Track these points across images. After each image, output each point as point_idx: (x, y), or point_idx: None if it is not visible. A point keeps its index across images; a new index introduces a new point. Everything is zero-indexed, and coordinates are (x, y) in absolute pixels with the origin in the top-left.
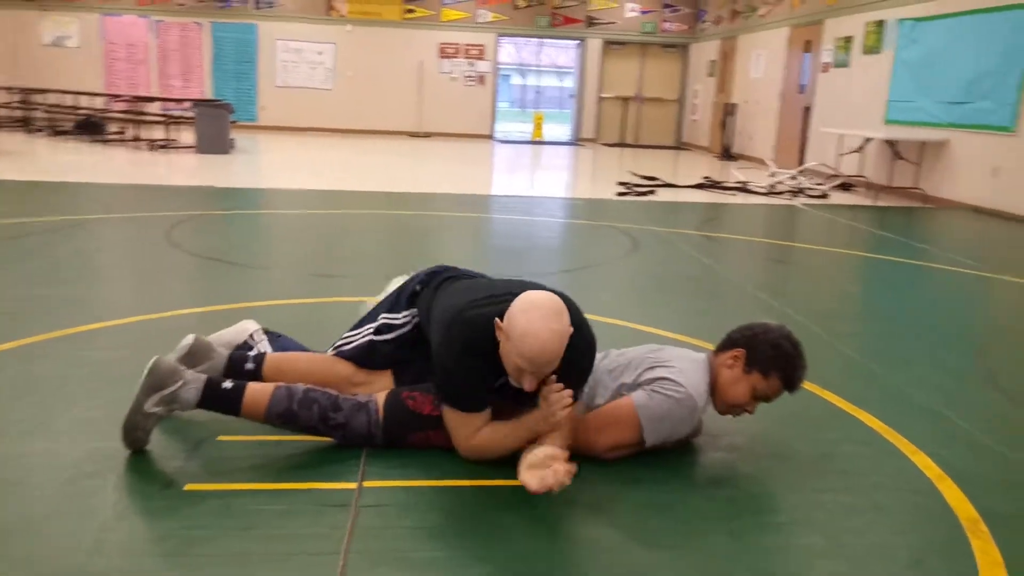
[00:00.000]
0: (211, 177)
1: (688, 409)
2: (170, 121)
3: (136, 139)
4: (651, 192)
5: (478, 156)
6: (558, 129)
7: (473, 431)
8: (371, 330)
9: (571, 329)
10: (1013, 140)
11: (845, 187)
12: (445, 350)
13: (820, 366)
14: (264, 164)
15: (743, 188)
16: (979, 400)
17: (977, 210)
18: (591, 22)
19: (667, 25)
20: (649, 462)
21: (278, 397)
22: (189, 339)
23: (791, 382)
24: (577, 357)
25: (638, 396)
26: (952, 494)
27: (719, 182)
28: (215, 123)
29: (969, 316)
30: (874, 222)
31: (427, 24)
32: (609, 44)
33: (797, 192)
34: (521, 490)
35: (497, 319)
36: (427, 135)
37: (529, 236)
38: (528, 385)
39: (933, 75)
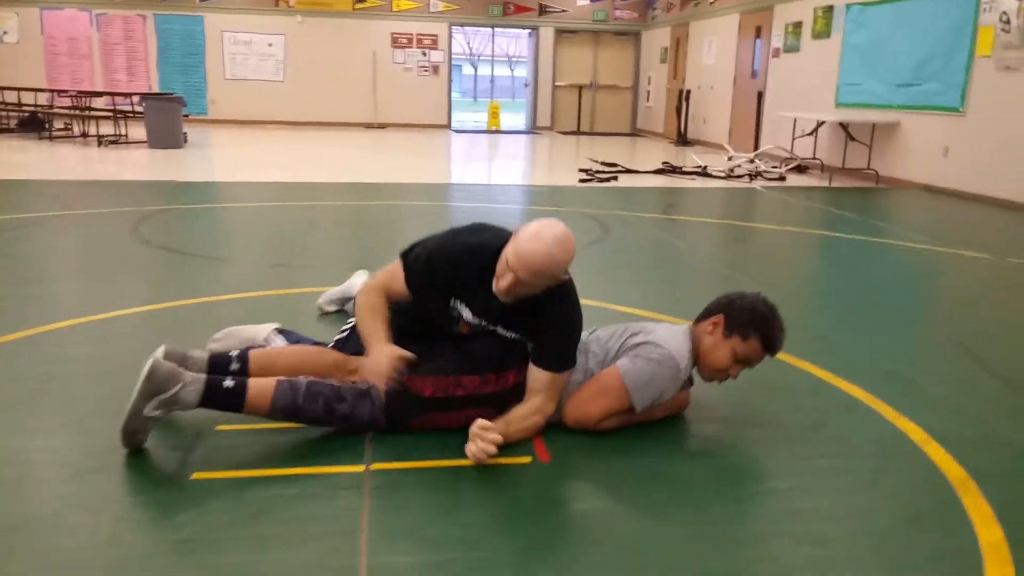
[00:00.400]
0: (168, 172)
1: (671, 370)
2: (119, 116)
3: (84, 135)
4: (613, 178)
5: (436, 146)
6: (511, 118)
7: (380, 274)
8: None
9: (568, 261)
10: (961, 120)
11: (800, 169)
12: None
13: (795, 339)
14: (220, 158)
15: (703, 172)
16: (952, 368)
17: (928, 188)
18: (543, 10)
19: (618, 13)
20: (645, 435)
21: (282, 392)
22: (159, 352)
23: (770, 343)
24: (560, 315)
25: (622, 363)
26: (938, 456)
27: (679, 167)
28: (167, 117)
29: (930, 289)
30: (831, 202)
31: (379, 14)
32: (561, 32)
33: (755, 175)
34: (525, 467)
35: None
36: (383, 126)
37: (498, 223)
38: (501, 284)
39: (882, 58)
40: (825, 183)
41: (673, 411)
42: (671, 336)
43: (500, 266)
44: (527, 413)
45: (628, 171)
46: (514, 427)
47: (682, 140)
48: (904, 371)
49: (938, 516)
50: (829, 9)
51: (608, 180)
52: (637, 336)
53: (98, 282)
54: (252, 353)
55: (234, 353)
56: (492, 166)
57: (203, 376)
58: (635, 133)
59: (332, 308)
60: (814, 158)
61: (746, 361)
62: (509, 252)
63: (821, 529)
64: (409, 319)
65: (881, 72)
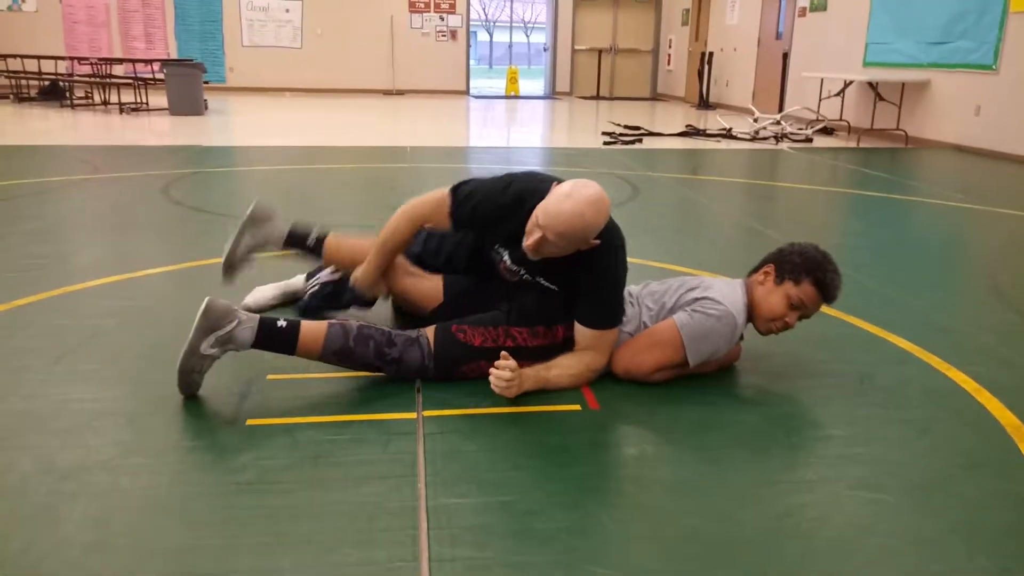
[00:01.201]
0: (192, 138)
1: (728, 327)
2: (139, 83)
3: (105, 103)
4: (638, 141)
5: (456, 111)
6: (528, 85)
7: (424, 199)
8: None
9: (599, 225)
10: (994, 78)
11: (827, 131)
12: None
13: (842, 294)
14: (242, 124)
15: (728, 134)
16: (996, 320)
17: (960, 148)
18: None
19: None
20: (697, 385)
21: (334, 334)
22: (252, 205)
23: (824, 286)
24: (602, 271)
25: (680, 316)
26: (992, 405)
27: (703, 130)
28: (188, 84)
29: (967, 245)
30: (860, 162)
31: None
32: None
33: (781, 137)
34: (576, 414)
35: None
36: (401, 93)
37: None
38: (528, 241)
39: (911, 16)
40: (853, 144)
41: (724, 365)
42: (729, 291)
43: (530, 223)
44: (573, 363)
45: (651, 134)
46: (556, 371)
47: (704, 104)
48: (950, 323)
49: (995, 461)
50: None
51: (632, 143)
52: (695, 291)
53: (134, 241)
54: (331, 237)
55: (314, 233)
56: (514, 130)
57: (257, 316)
58: (656, 97)
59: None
60: (841, 119)
61: (801, 307)
62: (539, 209)
63: (877, 474)
64: (463, 249)
65: (911, 30)
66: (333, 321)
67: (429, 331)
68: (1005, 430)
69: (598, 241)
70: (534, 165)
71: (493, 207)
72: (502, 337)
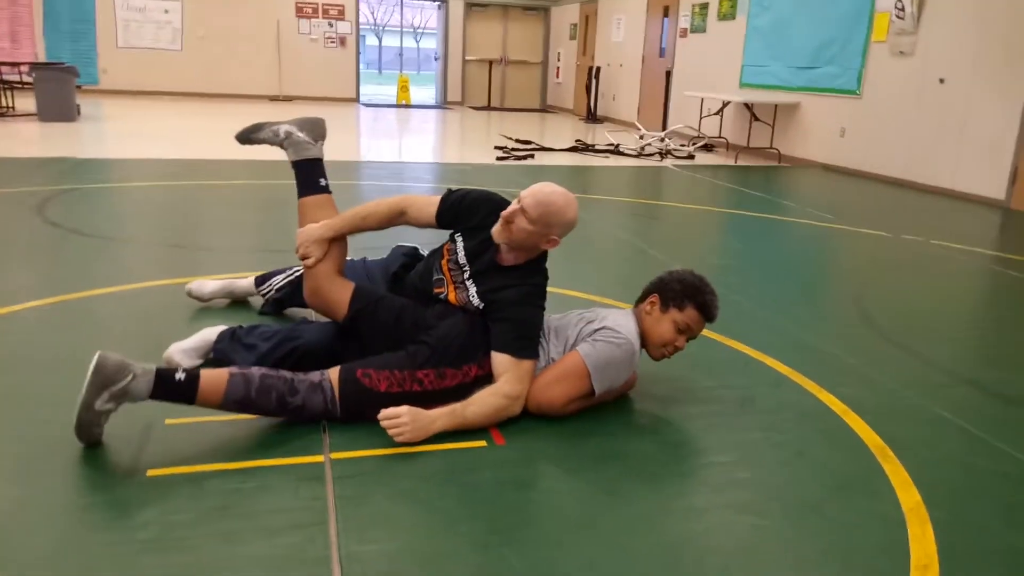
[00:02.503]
0: (65, 148)
1: (628, 353)
2: (5, 87)
3: None
4: (530, 156)
5: (346, 120)
6: (419, 92)
7: (414, 197)
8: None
9: (567, 218)
10: (858, 102)
11: (707, 148)
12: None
13: (722, 317)
14: (119, 132)
15: (615, 150)
16: (862, 341)
17: (827, 167)
18: None
19: None
20: (597, 416)
21: (234, 386)
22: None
23: (706, 308)
24: (526, 297)
25: (583, 347)
26: (858, 425)
27: (591, 145)
28: (59, 88)
29: (836, 266)
30: (739, 180)
31: None
32: (471, 6)
33: (665, 154)
34: (482, 451)
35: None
36: (289, 99)
37: None
38: (504, 213)
39: (784, 41)
40: (731, 161)
41: (623, 392)
42: (624, 320)
43: (511, 206)
44: (491, 398)
45: (543, 149)
46: (473, 408)
47: (592, 117)
48: (820, 344)
49: (863, 482)
50: None
51: (525, 158)
52: (593, 323)
53: (7, 269)
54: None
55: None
56: (408, 143)
57: (153, 367)
58: (545, 109)
59: (220, 301)
60: (720, 137)
61: (687, 330)
62: (522, 197)
63: (760, 499)
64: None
65: (783, 55)
66: (234, 370)
67: (333, 374)
68: (871, 451)
69: (559, 240)
70: (429, 182)
71: (476, 199)
72: (408, 382)
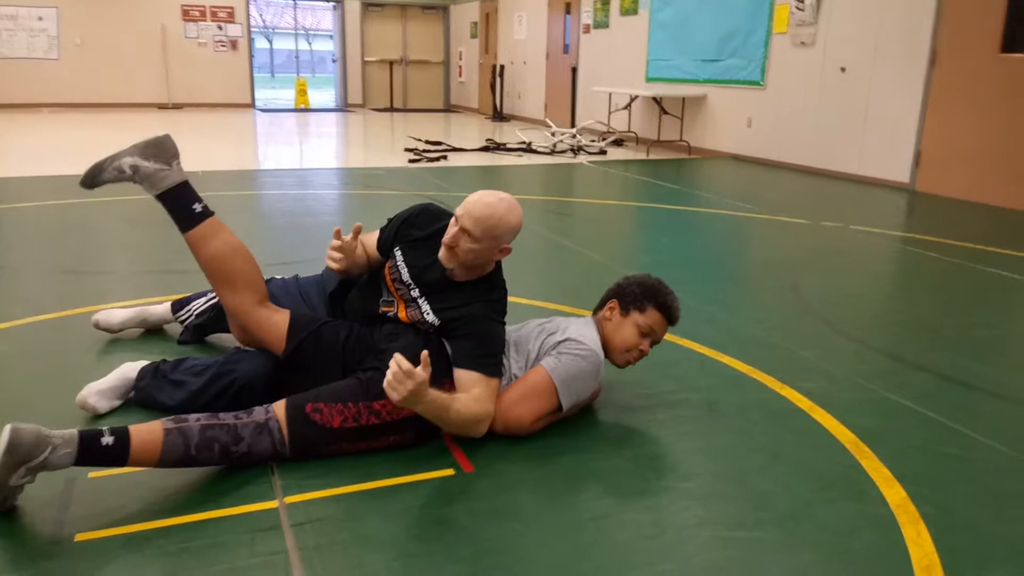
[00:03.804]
0: None
1: (594, 365)
2: None
3: None
4: (443, 157)
5: (242, 127)
6: (316, 96)
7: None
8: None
9: (512, 224)
10: (763, 93)
11: (618, 143)
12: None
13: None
14: None
15: (528, 148)
16: (811, 332)
17: (736, 158)
18: None
19: None
20: (565, 432)
21: (172, 445)
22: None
23: (667, 309)
24: (487, 311)
25: (548, 362)
26: (827, 421)
27: (503, 144)
28: None
29: (765, 255)
30: (652, 174)
31: None
32: (368, 6)
33: (577, 150)
34: (450, 480)
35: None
36: (179, 106)
37: (349, 210)
38: (445, 237)
39: (687, 35)
40: (643, 156)
41: (588, 403)
42: (586, 329)
43: (449, 230)
44: (470, 400)
45: (454, 149)
46: (458, 404)
47: (498, 116)
48: (771, 339)
49: (846, 482)
50: None
51: (437, 159)
52: (555, 335)
53: None
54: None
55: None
56: (312, 148)
57: (75, 433)
58: (449, 109)
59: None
60: (629, 131)
61: (651, 333)
62: (459, 210)
63: (747, 510)
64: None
65: (688, 48)
66: (169, 425)
67: (279, 411)
68: (845, 447)
69: (510, 248)
70: (338, 188)
71: (411, 213)
72: (364, 414)
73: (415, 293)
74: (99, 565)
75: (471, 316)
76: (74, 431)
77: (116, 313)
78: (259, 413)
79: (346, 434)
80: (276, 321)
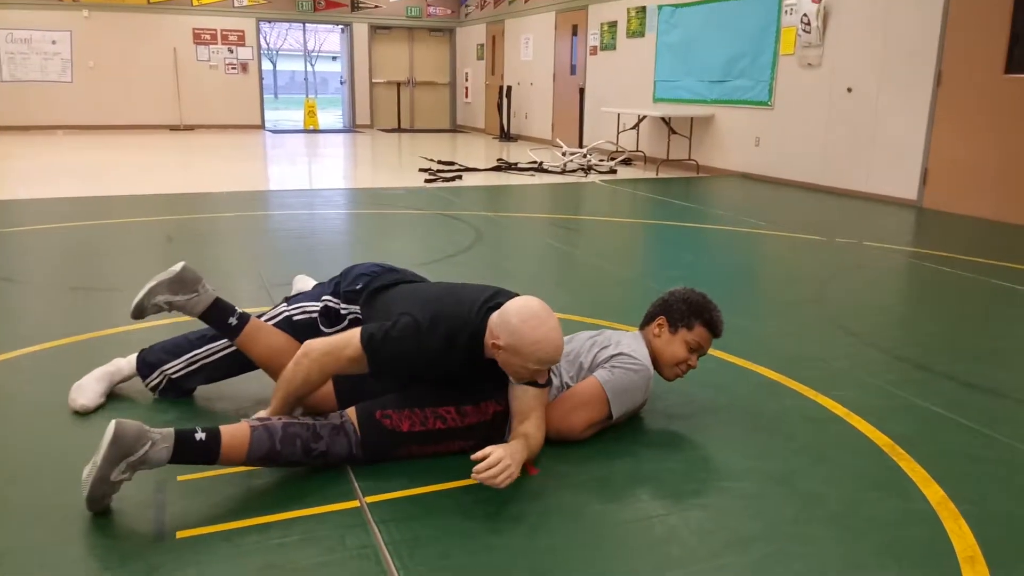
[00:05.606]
0: None
1: (645, 379)
2: None
3: None
4: (458, 177)
5: (254, 148)
6: (322, 117)
7: (336, 354)
8: (317, 309)
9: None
10: (770, 113)
11: (627, 162)
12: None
13: None
14: (10, 169)
15: (539, 168)
16: (839, 343)
17: (745, 176)
18: (355, 6)
19: (431, 9)
20: (615, 436)
21: (258, 440)
22: (177, 266)
23: (713, 324)
24: None
25: (601, 374)
26: (863, 427)
27: (514, 163)
28: None
29: (787, 271)
30: (664, 192)
31: (177, 8)
32: (376, 29)
33: (588, 169)
34: (518, 481)
35: (493, 341)
36: (190, 128)
37: (369, 230)
38: (542, 378)
39: (695, 56)
40: (652, 174)
41: (635, 413)
42: (637, 344)
43: (524, 373)
44: (533, 430)
45: (468, 169)
46: (532, 442)
47: (506, 136)
48: (802, 351)
49: (889, 482)
50: (642, 10)
51: (452, 179)
52: (608, 348)
53: None
54: (253, 320)
55: (237, 313)
56: (325, 170)
57: (172, 431)
58: (455, 129)
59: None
60: (638, 150)
61: (698, 348)
62: (531, 364)
63: (801, 507)
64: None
65: (695, 69)
66: (255, 423)
67: (352, 414)
68: (883, 450)
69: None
70: (359, 209)
71: (419, 354)
72: (431, 419)
73: None
74: (204, 558)
75: None
76: (171, 429)
77: (87, 390)
78: (334, 416)
79: (415, 437)
80: (321, 396)
